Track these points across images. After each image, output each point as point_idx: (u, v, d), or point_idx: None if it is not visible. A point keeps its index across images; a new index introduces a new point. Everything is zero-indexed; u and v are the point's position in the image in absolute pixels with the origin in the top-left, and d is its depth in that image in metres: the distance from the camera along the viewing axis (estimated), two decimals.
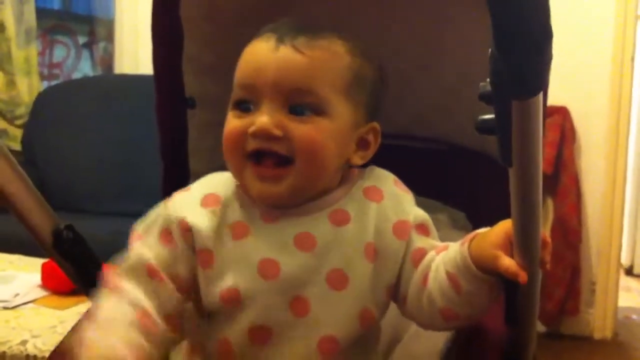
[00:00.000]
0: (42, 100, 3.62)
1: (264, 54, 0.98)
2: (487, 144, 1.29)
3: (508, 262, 0.86)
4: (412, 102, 1.33)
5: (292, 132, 0.95)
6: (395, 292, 1.04)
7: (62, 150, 3.39)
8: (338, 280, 0.97)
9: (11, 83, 3.57)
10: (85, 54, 4.42)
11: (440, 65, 1.27)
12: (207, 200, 1.01)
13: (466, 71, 1.13)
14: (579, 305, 3.41)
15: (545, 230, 0.87)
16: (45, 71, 4.15)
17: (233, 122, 0.99)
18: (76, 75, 4.31)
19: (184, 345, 1.08)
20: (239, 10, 1.11)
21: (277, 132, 0.94)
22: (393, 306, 1.10)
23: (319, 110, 0.97)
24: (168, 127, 1.36)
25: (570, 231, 3.34)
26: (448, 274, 0.94)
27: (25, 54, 3.61)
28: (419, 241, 1.02)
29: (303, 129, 0.95)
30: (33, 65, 3.68)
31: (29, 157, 3.40)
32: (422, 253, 1.01)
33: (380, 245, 1.00)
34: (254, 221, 0.99)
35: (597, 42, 3.32)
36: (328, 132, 0.97)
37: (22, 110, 3.62)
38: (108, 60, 4.39)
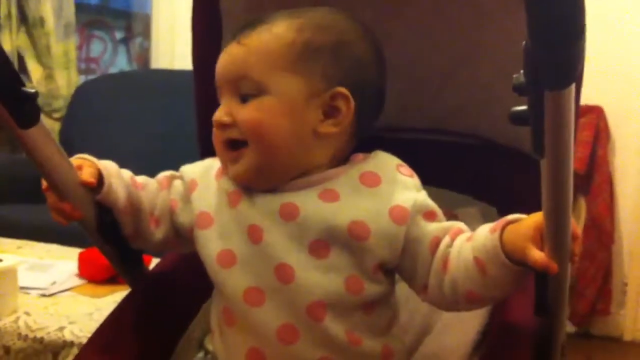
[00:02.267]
0: (80, 94, 3.66)
1: (224, 54, 1.08)
2: (519, 139, 1.30)
3: (538, 255, 0.87)
4: (449, 96, 1.34)
5: (237, 117, 1.03)
6: (412, 280, 1.06)
7: (98, 143, 3.41)
8: (320, 249, 1.01)
9: (50, 77, 3.62)
10: (121, 48, 4.47)
11: (478, 59, 1.28)
12: (220, 171, 1.11)
13: (502, 66, 1.14)
14: (610, 306, 3.39)
15: (575, 224, 0.88)
16: (83, 65, 4.20)
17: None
18: (112, 70, 4.36)
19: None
20: (278, 2, 1.13)
21: (226, 119, 1.04)
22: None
23: (258, 92, 1.03)
24: (206, 119, 1.38)
25: (602, 231, 3.32)
26: (476, 259, 0.95)
27: (63, 48, 3.66)
28: (432, 229, 1.03)
29: (245, 112, 1.03)
30: (71, 59, 3.72)
31: (66, 150, 3.42)
32: (437, 241, 1.02)
33: (374, 227, 1.01)
34: (249, 192, 1.06)
35: (632, 42, 3.29)
36: (273, 109, 1.02)
37: (60, 104, 3.66)
38: (144, 56, 4.44)
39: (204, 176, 1.11)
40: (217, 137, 1.07)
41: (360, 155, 1.09)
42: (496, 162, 1.35)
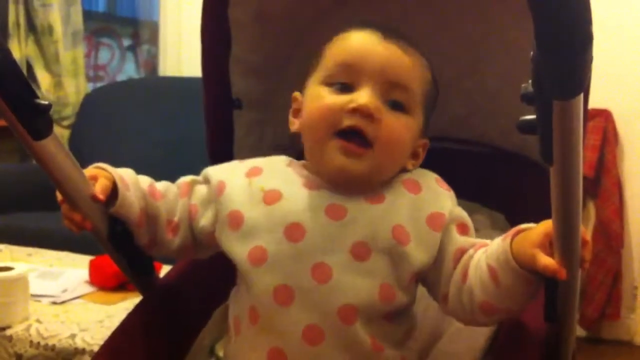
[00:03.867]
0: (89, 102, 3.67)
1: (372, 42, 1.05)
2: (527, 146, 1.30)
3: (547, 261, 0.87)
4: (456, 106, 1.34)
5: (384, 120, 1.02)
6: (435, 290, 1.06)
7: (107, 150, 3.42)
8: (361, 252, 1.01)
9: (58, 84, 3.63)
10: (129, 56, 4.48)
11: (485, 70, 1.28)
12: (251, 171, 1.10)
13: (509, 75, 1.15)
14: (620, 310, 3.38)
15: (585, 230, 0.88)
16: (91, 73, 4.21)
17: (328, 97, 1.05)
18: (120, 77, 4.37)
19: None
20: (287, 13, 1.14)
21: (377, 114, 1.01)
22: (432, 306, 1.12)
23: (408, 108, 1.04)
24: (215, 126, 1.39)
25: (612, 235, 3.31)
26: (489, 266, 0.96)
27: (72, 55, 3.67)
28: (460, 240, 1.05)
29: (394, 119, 1.03)
30: (80, 66, 3.73)
31: (76, 157, 3.43)
32: (462, 252, 1.04)
33: (413, 233, 1.03)
34: (291, 187, 1.06)
35: None
36: (409, 129, 1.05)
37: (69, 111, 3.67)
38: (152, 63, 4.45)
39: (231, 176, 1.11)
40: (339, 118, 1.02)
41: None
42: (503, 169, 1.35)
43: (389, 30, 1.06)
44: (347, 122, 1.01)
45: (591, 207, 3.36)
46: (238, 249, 1.05)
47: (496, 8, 1.20)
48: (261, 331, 1.03)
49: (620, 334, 3.43)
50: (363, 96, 1.01)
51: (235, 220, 1.06)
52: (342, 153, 1.02)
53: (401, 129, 1.03)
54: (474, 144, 1.40)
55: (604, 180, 3.31)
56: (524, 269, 0.91)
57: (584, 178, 3.26)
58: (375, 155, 1.02)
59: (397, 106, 1.03)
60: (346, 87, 1.04)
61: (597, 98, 3.14)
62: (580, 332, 3.35)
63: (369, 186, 1.06)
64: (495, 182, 1.40)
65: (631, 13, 3.28)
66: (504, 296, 0.96)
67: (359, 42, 1.06)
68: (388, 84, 1.03)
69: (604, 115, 3.29)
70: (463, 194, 1.14)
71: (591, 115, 3.21)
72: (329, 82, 1.06)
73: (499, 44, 1.23)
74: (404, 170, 1.10)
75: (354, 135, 1.01)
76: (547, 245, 0.89)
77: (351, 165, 1.02)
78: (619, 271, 3.35)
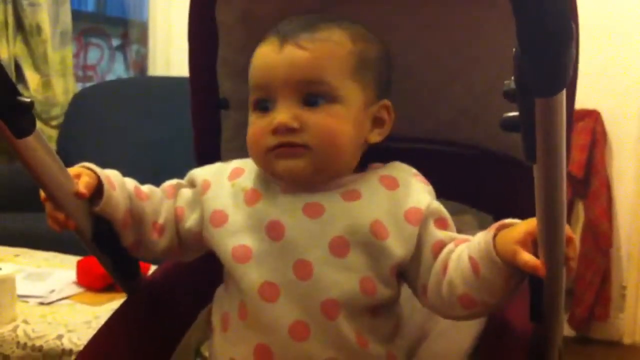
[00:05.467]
0: (77, 102, 3.66)
1: (271, 55, 1.06)
2: (514, 147, 1.30)
3: (526, 257, 0.88)
4: (442, 109, 1.34)
5: (307, 122, 1.03)
6: (414, 282, 1.07)
7: (96, 150, 3.41)
8: (340, 247, 1.03)
9: (47, 84, 3.61)
10: (118, 56, 4.48)
11: (471, 73, 1.29)
12: (233, 173, 1.13)
13: (496, 78, 1.15)
14: (609, 310, 3.39)
15: (571, 230, 0.88)
16: (80, 73, 4.20)
17: (256, 122, 1.08)
18: (110, 77, 4.37)
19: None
20: (273, 14, 1.13)
21: (295, 124, 1.02)
22: (419, 305, 1.12)
23: (330, 97, 1.04)
24: (202, 127, 1.39)
25: (600, 235, 3.32)
26: (470, 258, 0.97)
27: (60, 55, 3.66)
28: (438, 234, 1.06)
29: (317, 118, 1.03)
30: (68, 66, 3.72)
31: (64, 157, 3.38)
32: (442, 245, 1.04)
33: (391, 228, 1.04)
34: (270, 191, 1.08)
35: (629, 46, 3.30)
36: (342, 117, 1.05)
37: (58, 111, 3.66)
38: (141, 63, 4.45)
39: (216, 177, 1.13)
40: (267, 140, 1.05)
41: (378, 164, 1.13)
42: (491, 169, 1.35)
43: (289, 30, 1.07)
44: (273, 141, 1.04)
45: (580, 207, 3.38)
46: (222, 247, 1.07)
47: (484, 13, 1.20)
48: (249, 326, 1.04)
49: (609, 334, 3.45)
50: (278, 113, 1.04)
51: (219, 219, 1.08)
52: (281, 158, 1.04)
53: (329, 121, 1.04)
54: (462, 146, 1.40)
55: (592, 181, 3.32)
56: (504, 263, 0.92)
57: (573, 178, 3.28)
58: (315, 154, 1.03)
59: (317, 101, 1.04)
60: (266, 107, 1.07)
61: (586, 99, 3.16)
62: (569, 332, 3.36)
63: (331, 178, 1.07)
64: (484, 184, 1.40)
65: (619, 14, 3.29)
66: (483, 289, 0.96)
67: (260, 60, 1.09)
68: (297, 87, 1.04)
69: (593, 116, 3.30)
70: (451, 196, 1.14)
71: (580, 115, 3.22)
72: (254, 105, 1.09)
73: (487, 49, 1.23)
74: (369, 143, 1.11)
75: (287, 146, 1.04)
76: (529, 243, 0.89)
77: (293, 165, 1.04)
78: (608, 271, 3.36)
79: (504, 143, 1.31)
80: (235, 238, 1.06)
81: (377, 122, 1.11)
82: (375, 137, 1.11)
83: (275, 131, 1.03)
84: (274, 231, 1.04)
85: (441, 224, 1.07)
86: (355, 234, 1.03)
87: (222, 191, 1.11)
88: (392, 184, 1.09)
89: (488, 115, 1.28)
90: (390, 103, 1.12)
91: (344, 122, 1.05)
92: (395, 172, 1.11)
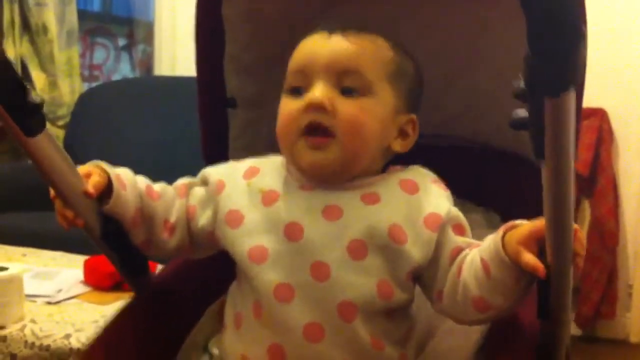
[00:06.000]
0: (84, 102, 3.66)
1: (317, 42, 1.08)
2: (521, 145, 1.30)
3: (528, 257, 0.90)
4: (449, 104, 1.35)
5: (338, 108, 1.04)
6: (429, 287, 1.07)
7: (102, 150, 3.39)
8: (358, 250, 1.03)
9: (53, 84, 3.61)
10: (124, 56, 4.47)
11: (477, 69, 1.29)
12: (248, 172, 1.13)
13: (502, 74, 1.15)
14: (616, 309, 3.37)
15: (577, 226, 0.89)
16: (86, 73, 4.20)
17: (288, 104, 1.09)
18: (116, 77, 4.37)
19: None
20: (279, 11, 1.14)
21: (327, 105, 1.03)
22: (427, 304, 1.12)
23: (364, 90, 1.06)
24: (210, 126, 1.39)
25: (607, 234, 3.31)
26: (482, 259, 0.98)
27: (67, 55, 3.66)
28: (456, 239, 1.06)
29: (349, 107, 1.04)
30: (75, 66, 3.72)
31: (70, 157, 3.43)
32: (459, 251, 1.05)
33: (410, 232, 1.04)
34: (288, 189, 1.09)
35: (635, 44, 3.29)
36: (372, 111, 1.06)
37: (64, 111, 3.66)
38: (147, 62, 4.44)
39: (230, 177, 1.13)
40: (299, 119, 1.06)
41: (398, 167, 1.14)
42: (498, 167, 1.36)
43: (337, 25, 1.09)
44: (305, 120, 1.05)
45: (586, 206, 3.37)
46: (238, 247, 1.07)
47: (490, 8, 1.20)
48: (264, 326, 1.05)
49: (615, 332, 3.43)
50: (314, 92, 1.05)
51: (235, 220, 1.08)
52: (309, 148, 1.05)
53: (359, 112, 1.05)
54: (469, 142, 1.40)
55: (599, 179, 3.31)
56: (513, 263, 0.93)
57: (579, 177, 3.26)
58: (339, 142, 1.04)
59: (351, 91, 1.05)
60: (301, 91, 1.07)
61: (592, 97, 3.14)
62: (575, 330, 3.35)
63: (350, 175, 1.08)
64: (490, 181, 1.40)
65: (625, 12, 3.28)
66: (495, 290, 0.97)
67: (306, 47, 1.10)
68: (337, 74, 1.05)
69: (599, 115, 3.30)
70: (457, 193, 1.15)
71: (586, 114, 3.21)
72: (288, 91, 1.10)
73: (493, 43, 1.23)
74: (393, 152, 1.12)
75: (317, 130, 1.04)
76: (532, 244, 0.91)
77: (319, 158, 1.05)
78: (614, 270, 3.35)
79: (510, 140, 1.32)
80: (252, 239, 1.06)
81: (402, 133, 1.12)
82: (397, 147, 1.12)
83: (308, 108, 1.05)
84: (292, 232, 1.04)
85: (459, 230, 1.08)
86: (373, 237, 1.03)
87: (237, 190, 1.11)
88: (412, 188, 1.09)
89: (494, 111, 1.28)
90: (417, 119, 1.13)
91: (373, 117, 1.06)
92: (416, 177, 1.12)
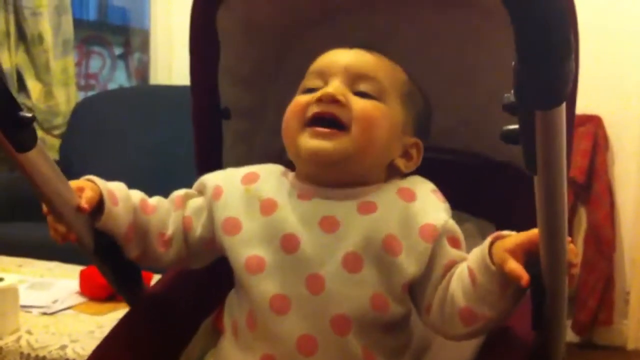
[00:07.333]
0: (80, 111, 3.66)
1: (338, 52, 1.11)
2: (516, 156, 1.30)
3: (513, 265, 0.90)
4: (443, 116, 1.35)
5: (352, 103, 1.05)
6: (419, 300, 1.07)
7: (98, 159, 3.41)
8: (353, 263, 1.03)
9: (49, 93, 3.61)
10: (120, 64, 4.47)
11: (474, 84, 1.29)
12: (247, 178, 1.12)
13: (496, 88, 1.16)
14: (613, 316, 3.38)
15: (574, 235, 0.89)
16: (82, 81, 4.20)
17: (298, 99, 1.10)
18: (111, 85, 4.37)
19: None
20: (274, 23, 1.14)
21: (341, 98, 1.04)
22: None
23: (379, 96, 1.07)
24: (204, 137, 1.39)
25: (603, 241, 3.31)
26: (469, 268, 0.98)
27: (62, 64, 3.66)
28: (451, 252, 1.06)
29: (363, 104, 1.06)
30: (70, 75, 3.72)
31: (66, 166, 3.44)
32: (453, 264, 1.05)
33: (405, 243, 1.04)
34: (287, 198, 1.08)
35: (630, 51, 3.30)
36: (384, 114, 1.07)
37: (60, 120, 3.66)
38: (142, 71, 4.44)
39: (228, 182, 1.13)
40: (307, 110, 1.07)
41: (398, 177, 1.14)
42: (492, 178, 1.36)
43: (359, 44, 1.12)
44: (313, 110, 1.06)
45: (582, 213, 3.37)
46: (236, 256, 1.07)
47: (483, 23, 1.21)
48: (257, 337, 1.05)
49: (612, 339, 3.43)
50: (328, 87, 1.06)
51: (233, 227, 1.08)
52: (311, 137, 1.05)
53: (374, 110, 1.06)
54: (463, 154, 1.40)
55: (594, 186, 3.32)
56: (498, 270, 0.93)
57: (575, 183, 3.26)
58: (354, 136, 1.04)
59: (365, 95, 1.07)
60: (316, 90, 1.08)
61: (588, 104, 3.16)
62: (572, 337, 3.35)
63: (349, 174, 1.07)
64: (485, 193, 1.40)
65: (620, 18, 3.29)
66: (481, 299, 0.97)
67: (326, 55, 1.12)
68: (354, 77, 1.07)
69: (595, 121, 3.30)
70: (452, 204, 1.15)
71: (581, 121, 3.22)
72: (303, 90, 1.11)
73: (488, 57, 1.23)
74: (397, 171, 1.12)
75: (323, 121, 1.05)
76: (519, 254, 0.91)
77: (319, 146, 1.05)
78: (611, 276, 3.35)
79: (505, 152, 1.32)
80: (249, 248, 1.06)
81: (406, 154, 1.13)
82: (400, 165, 1.12)
83: (320, 100, 1.05)
84: (288, 244, 1.04)
85: (454, 243, 1.07)
86: (368, 248, 1.03)
87: (235, 197, 1.10)
88: (409, 196, 1.09)
89: (488, 124, 1.29)
90: (422, 145, 1.14)
91: (385, 119, 1.07)
92: (414, 185, 1.11)
